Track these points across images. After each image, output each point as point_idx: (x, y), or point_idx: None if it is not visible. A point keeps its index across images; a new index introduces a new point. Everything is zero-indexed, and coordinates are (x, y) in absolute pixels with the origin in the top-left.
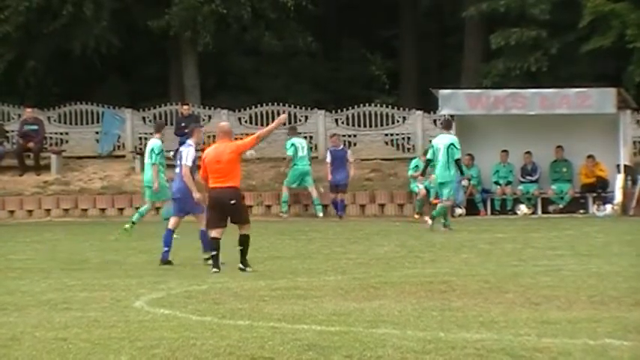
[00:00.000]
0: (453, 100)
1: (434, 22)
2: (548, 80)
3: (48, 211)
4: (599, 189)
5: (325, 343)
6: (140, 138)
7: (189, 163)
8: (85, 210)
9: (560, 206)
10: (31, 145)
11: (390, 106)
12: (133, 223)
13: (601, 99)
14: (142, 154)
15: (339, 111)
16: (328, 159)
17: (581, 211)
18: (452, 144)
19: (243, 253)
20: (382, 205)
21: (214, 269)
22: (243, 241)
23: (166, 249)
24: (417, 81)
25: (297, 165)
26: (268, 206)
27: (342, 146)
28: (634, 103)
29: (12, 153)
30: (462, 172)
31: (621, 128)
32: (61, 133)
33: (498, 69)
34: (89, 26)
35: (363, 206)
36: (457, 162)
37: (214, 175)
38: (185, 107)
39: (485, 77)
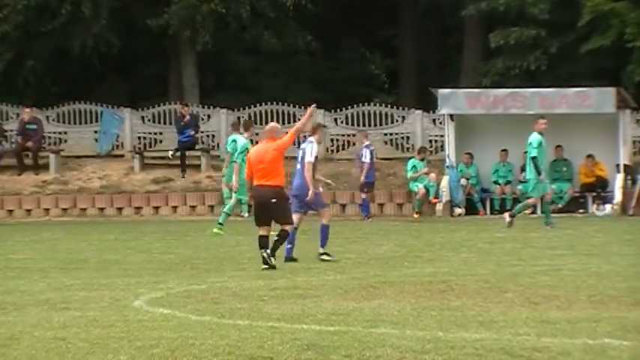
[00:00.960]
0: (453, 100)
1: (433, 22)
2: (548, 79)
3: (47, 210)
4: (599, 188)
5: (324, 342)
6: (139, 137)
7: (313, 160)
8: (84, 209)
9: (560, 206)
10: (29, 144)
11: (389, 106)
12: (226, 216)
13: (600, 98)
14: (141, 153)
15: (338, 110)
16: (366, 158)
17: (581, 210)
18: (530, 142)
19: (276, 244)
20: (381, 205)
21: (264, 265)
22: (280, 234)
23: (289, 246)
24: (417, 80)
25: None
26: None
27: (366, 143)
28: (633, 103)
29: (11, 152)
30: (538, 172)
31: (621, 128)
32: (60, 133)
33: (498, 68)
34: (88, 25)
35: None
36: (533, 160)
37: (258, 174)
38: (185, 108)
39: (484, 76)
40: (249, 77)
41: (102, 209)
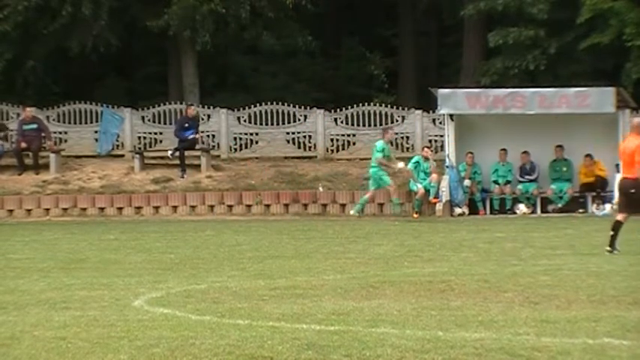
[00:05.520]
0: (452, 100)
1: (433, 21)
2: (547, 79)
3: (47, 210)
4: (599, 188)
5: (324, 342)
6: (139, 137)
7: None
8: (84, 209)
9: (560, 206)
10: (27, 144)
11: (389, 106)
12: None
13: (600, 98)
14: (141, 153)
15: (338, 110)
16: None
17: (581, 210)
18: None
19: (612, 237)
20: (381, 205)
21: (607, 248)
22: (614, 226)
23: None
24: (416, 80)
25: None
26: (267, 205)
27: None
28: (633, 103)
29: (11, 152)
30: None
31: (620, 127)
32: (60, 133)
33: (497, 68)
34: (88, 26)
35: None
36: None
37: (622, 165)
38: (190, 108)
39: (483, 75)
40: (249, 77)
41: (102, 209)
